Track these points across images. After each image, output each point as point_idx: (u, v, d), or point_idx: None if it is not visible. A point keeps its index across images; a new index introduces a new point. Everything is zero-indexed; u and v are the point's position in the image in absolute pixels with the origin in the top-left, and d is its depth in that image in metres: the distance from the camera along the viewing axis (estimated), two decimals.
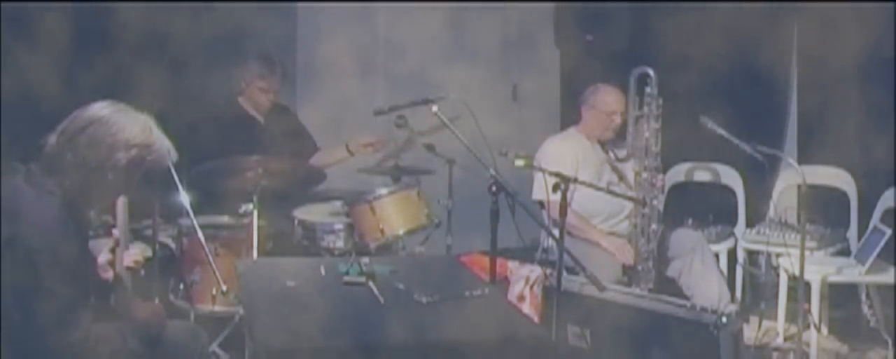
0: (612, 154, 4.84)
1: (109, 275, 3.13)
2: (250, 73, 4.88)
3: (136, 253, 3.34)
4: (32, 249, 2.70)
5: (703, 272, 4.66)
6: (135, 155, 2.86)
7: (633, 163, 4.72)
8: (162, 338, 3.12)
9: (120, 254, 3.15)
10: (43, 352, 2.75)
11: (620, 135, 4.83)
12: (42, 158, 2.85)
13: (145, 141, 2.89)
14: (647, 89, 4.61)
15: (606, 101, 4.79)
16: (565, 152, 4.76)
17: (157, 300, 3.20)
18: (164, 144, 2.94)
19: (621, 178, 4.83)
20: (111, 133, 2.83)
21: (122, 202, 3.15)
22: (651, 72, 4.59)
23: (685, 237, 4.80)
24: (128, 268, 3.23)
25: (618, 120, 4.78)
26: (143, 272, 3.73)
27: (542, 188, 4.35)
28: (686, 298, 4.50)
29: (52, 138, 2.84)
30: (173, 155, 2.97)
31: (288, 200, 4.81)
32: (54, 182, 2.82)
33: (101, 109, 2.88)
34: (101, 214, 4.58)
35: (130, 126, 2.87)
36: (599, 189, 4.33)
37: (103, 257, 3.13)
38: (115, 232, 3.17)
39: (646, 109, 4.62)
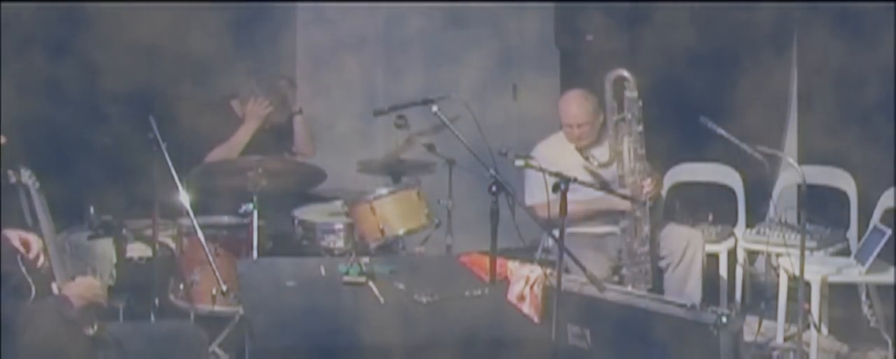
0: (592, 159, 4.64)
1: (42, 261, 3.09)
2: (251, 91, 4.85)
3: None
4: None
5: (686, 270, 4.65)
6: None
7: (617, 167, 4.60)
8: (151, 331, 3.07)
9: (48, 234, 3.09)
10: None
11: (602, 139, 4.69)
12: None
13: None
14: (626, 93, 4.48)
15: (565, 112, 4.70)
16: (545, 156, 4.53)
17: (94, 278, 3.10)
18: None
19: (598, 180, 4.68)
20: None
21: None
22: (628, 74, 4.46)
23: (677, 234, 4.78)
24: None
25: (576, 132, 4.66)
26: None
27: (532, 194, 4.34)
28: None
29: None
30: None
31: (288, 200, 4.81)
32: None
33: None
34: (101, 213, 4.58)
35: None
36: (593, 186, 4.32)
37: (33, 252, 3.09)
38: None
39: (626, 113, 4.51)
